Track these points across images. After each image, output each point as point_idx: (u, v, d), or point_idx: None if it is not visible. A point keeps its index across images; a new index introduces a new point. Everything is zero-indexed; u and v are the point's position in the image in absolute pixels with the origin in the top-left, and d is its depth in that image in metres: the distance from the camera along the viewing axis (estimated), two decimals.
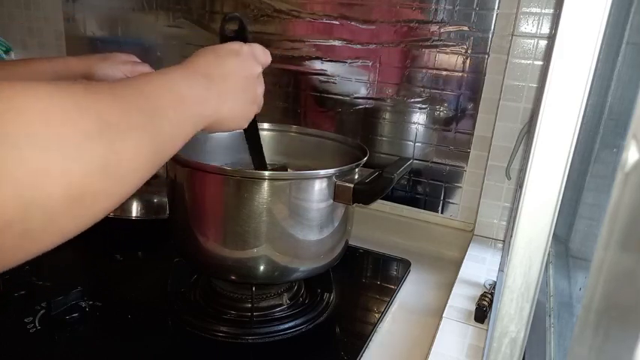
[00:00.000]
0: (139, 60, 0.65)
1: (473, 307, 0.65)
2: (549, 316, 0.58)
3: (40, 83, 0.27)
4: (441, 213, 0.93)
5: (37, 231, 0.25)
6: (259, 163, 0.62)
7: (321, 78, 0.96)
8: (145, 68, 0.63)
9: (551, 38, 0.76)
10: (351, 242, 0.71)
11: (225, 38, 0.51)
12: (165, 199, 0.82)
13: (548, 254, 0.55)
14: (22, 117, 0.24)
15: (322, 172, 0.59)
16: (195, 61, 0.44)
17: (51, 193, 0.25)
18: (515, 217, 0.44)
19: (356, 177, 0.63)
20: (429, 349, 0.58)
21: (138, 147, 0.31)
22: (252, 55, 0.49)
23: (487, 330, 0.62)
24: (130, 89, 0.33)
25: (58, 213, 0.26)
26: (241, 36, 0.51)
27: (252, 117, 0.50)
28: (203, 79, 0.42)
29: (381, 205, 0.96)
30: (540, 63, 0.78)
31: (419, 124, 0.90)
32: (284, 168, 0.72)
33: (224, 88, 0.44)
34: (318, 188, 0.59)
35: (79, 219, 0.28)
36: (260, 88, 0.50)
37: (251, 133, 0.59)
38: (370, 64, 0.91)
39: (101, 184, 0.28)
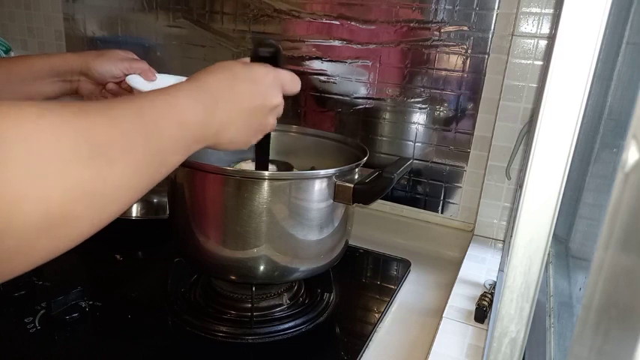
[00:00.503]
0: (136, 57, 0.65)
1: (473, 307, 0.65)
2: (549, 316, 0.58)
3: (29, 104, 0.26)
4: (441, 213, 0.93)
5: (11, 254, 0.25)
6: (263, 163, 0.61)
7: (321, 78, 0.96)
8: (143, 65, 0.63)
9: (551, 38, 0.76)
10: (351, 242, 0.71)
11: (257, 58, 0.49)
12: (165, 199, 0.82)
13: (548, 254, 0.55)
14: (5, 139, 0.24)
15: (322, 172, 0.59)
16: (207, 78, 0.42)
17: (27, 218, 0.24)
18: (515, 217, 0.44)
19: (356, 177, 0.63)
20: (429, 349, 0.58)
21: (127, 172, 0.30)
22: (276, 84, 0.47)
23: (487, 330, 0.62)
24: (128, 110, 0.32)
25: (33, 238, 0.25)
26: (274, 60, 0.49)
27: (254, 143, 0.49)
28: (210, 100, 0.40)
29: (381, 205, 0.96)
30: (540, 63, 0.78)
31: (419, 124, 0.90)
32: (288, 165, 0.72)
33: (230, 113, 0.42)
34: (318, 188, 0.59)
35: (56, 244, 0.27)
36: (272, 118, 0.48)
37: (262, 145, 0.58)
38: (370, 64, 0.91)
39: (83, 209, 0.27)
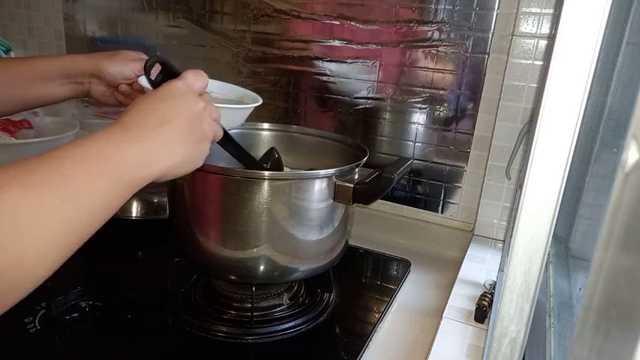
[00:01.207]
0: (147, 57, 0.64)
1: (473, 307, 0.65)
2: (549, 316, 0.58)
3: None
4: (441, 213, 0.93)
5: None
6: (249, 162, 0.60)
7: (321, 78, 0.96)
8: None
9: (551, 38, 0.76)
10: (351, 242, 0.71)
11: (155, 83, 0.48)
12: (165, 199, 0.82)
13: (548, 254, 0.55)
14: None
15: (322, 172, 0.59)
16: (126, 116, 0.40)
17: None
18: (515, 217, 0.44)
19: (356, 177, 0.63)
20: (429, 349, 0.58)
21: (40, 247, 0.30)
22: (189, 89, 0.45)
23: (487, 330, 0.62)
24: (43, 167, 0.32)
25: None
26: (169, 74, 0.48)
27: (207, 152, 0.47)
28: (136, 135, 0.39)
29: (381, 205, 0.96)
30: (540, 63, 0.78)
31: (419, 124, 0.90)
32: (271, 151, 0.70)
33: (164, 137, 0.41)
34: (318, 188, 0.59)
35: None
36: (206, 123, 0.46)
37: (227, 145, 0.56)
38: (370, 64, 0.91)
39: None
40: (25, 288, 0.30)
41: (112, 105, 0.65)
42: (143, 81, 0.59)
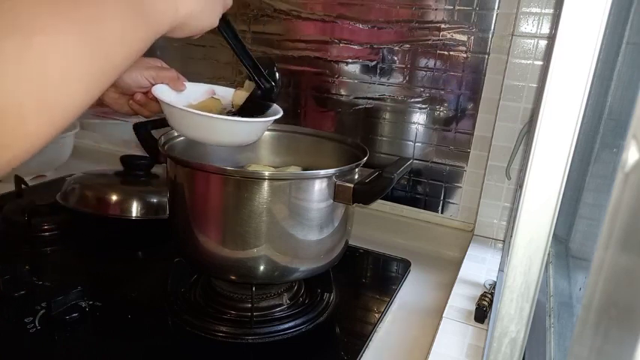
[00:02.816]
0: (165, 65, 0.61)
1: (473, 307, 0.65)
2: (549, 316, 0.58)
3: None
4: (441, 213, 0.93)
5: None
6: (245, 56, 0.58)
7: (321, 78, 0.96)
8: (171, 74, 0.60)
9: (551, 38, 0.76)
10: (351, 242, 0.71)
11: None
12: (165, 199, 0.82)
13: (548, 254, 0.55)
14: None
15: (322, 172, 0.59)
16: None
17: None
18: (515, 217, 0.44)
19: (356, 177, 0.63)
20: (429, 349, 0.58)
21: (71, 56, 0.28)
22: None
23: (487, 330, 0.62)
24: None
25: None
26: None
27: (219, 14, 0.47)
28: None
29: (381, 205, 0.96)
30: (540, 63, 0.78)
31: (419, 124, 0.90)
32: (270, 60, 0.64)
33: None
34: (318, 188, 0.59)
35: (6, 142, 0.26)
36: None
37: (228, 35, 0.55)
38: (370, 64, 0.91)
39: (24, 95, 0.26)
40: (55, 103, 0.28)
41: (126, 113, 0.63)
42: (157, 91, 0.57)
